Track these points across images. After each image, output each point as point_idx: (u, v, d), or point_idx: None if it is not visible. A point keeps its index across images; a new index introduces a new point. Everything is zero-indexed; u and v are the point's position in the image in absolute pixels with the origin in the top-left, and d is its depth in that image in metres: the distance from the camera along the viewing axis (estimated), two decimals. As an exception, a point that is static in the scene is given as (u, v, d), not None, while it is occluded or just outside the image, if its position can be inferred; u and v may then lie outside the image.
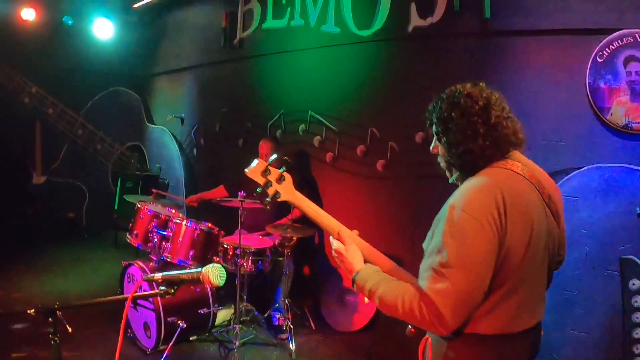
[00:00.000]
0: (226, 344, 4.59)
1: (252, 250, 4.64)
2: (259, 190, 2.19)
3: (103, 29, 8.04)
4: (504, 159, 1.87)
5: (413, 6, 4.73)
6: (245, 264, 4.59)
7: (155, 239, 4.54)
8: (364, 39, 5.19)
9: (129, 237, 4.79)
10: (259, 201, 2.36)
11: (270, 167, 2.19)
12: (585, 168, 3.56)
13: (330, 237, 2.14)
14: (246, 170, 2.20)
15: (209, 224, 4.82)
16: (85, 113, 8.50)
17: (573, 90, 3.82)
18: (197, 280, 1.95)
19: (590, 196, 3.51)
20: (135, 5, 8.25)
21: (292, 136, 6.03)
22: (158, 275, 1.98)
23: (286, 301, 4.83)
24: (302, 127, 5.88)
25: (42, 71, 7.90)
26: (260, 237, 5.04)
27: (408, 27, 4.78)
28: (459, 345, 1.78)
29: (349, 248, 2.06)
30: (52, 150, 8.35)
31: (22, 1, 7.30)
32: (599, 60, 3.67)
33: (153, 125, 8.65)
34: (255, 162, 2.21)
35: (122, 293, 4.81)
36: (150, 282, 2.04)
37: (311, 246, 5.70)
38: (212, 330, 4.73)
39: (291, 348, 4.54)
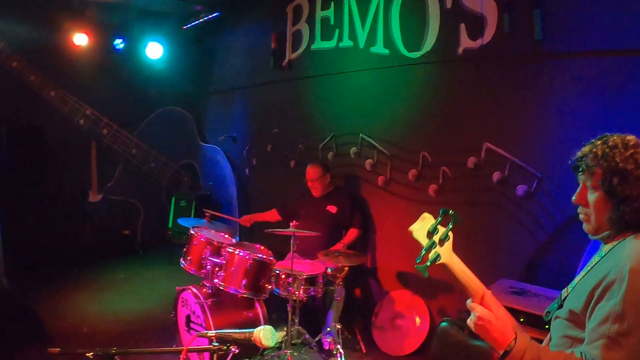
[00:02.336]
0: (277, 368, 4.80)
1: (305, 276, 4.77)
2: (419, 259, 1.93)
3: (154, 51, 8.46)
4: None
5: (463, 27, 4.78)
6: (297, 292, 4.73)
7: (209, 266, 4.76)
8: (414, 61, 5.29)
9: (182, 262, 5.06)
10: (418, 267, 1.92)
11: (438, 226, 1.95)
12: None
13: (469, 303, 1.91)
14: (411, 229, 1.97)
15: (261, 248, 5.06)
16: (139, 132, 8.95)
17: (632, 111, 3.76)
18: (248, 340, 2.07)
19: None
20: (185, 27, 8.64)
21: (344, 159, 6.16)
22: (212, 333, 2.12)
23: (337, 325, 4.95)
24: (353, 149, 6.02)
25: (96, 93, 8.34)
26: (312, 262, 5.18)
27: (458, 49, 4.83)
28: None
29: (498, 315, 1.86)
30: (108, 169, 8.80)
31: (74, 28, 7.78)
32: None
33: (206, 144, 9.01)
34: (422, 218, 1.98)
35: (176, 316, 5.08)
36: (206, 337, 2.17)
37: (362, 270, 5.80)
38: (264, 354, 4.95)
39: (342, 372, 4.68)
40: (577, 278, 1.92)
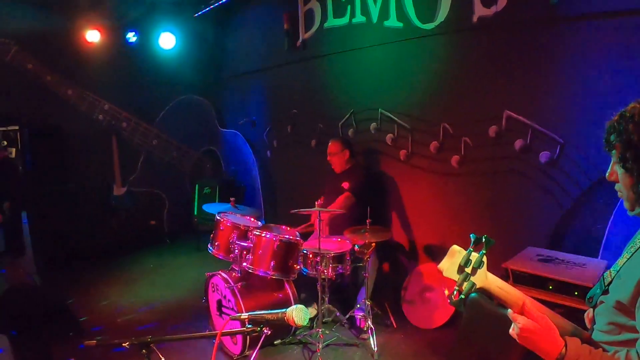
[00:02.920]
0: (309, 346, 4.90)
1: (332, 255, 4.80)
2: (453, 295, 1.84)
3: (167, 41, 8.55)
4: None
5: (476, -5, 4.74)
6: (325, 271, 4.77)
7: (237, 250, 4.85)
8: (428, 33, 5.26)
9: (210, 248, 5.14)
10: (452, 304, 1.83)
11: (471, 255, 1.86)
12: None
13: (510, 313, 1.79)
14: (441, 267, 1.90)
15: (287, 229, 5.13)
16: (159, 123, 9.08)
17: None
18: (281, 320, 2.08)
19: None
20: (196, 15, 8.67)
21: (365, 135, 6.19)
22: (244, 316, 2.14)
23: (367, 301, 5.02)
24: (373, 125, 6.04)
25: (113, 88, 8.47)
26: (338, 240, 5.21)
27: (472, 18, 4.80)
28: None
29: (542, 323, 1.74)
30: (130, 162, 8.95)
31: (85, 25, 7.90)
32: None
33: (225, 130, 9.12)
34: (451, 254, 1.89)
35: (207, 302, 5.21)
36: (239, 320, 2.18)
37: (389, 245, 5.84)
38: (296, 333, 5.04)
39: (373, 348, 4.74)
40: (621, 260, 1.84)
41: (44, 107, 7.85)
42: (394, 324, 5.36)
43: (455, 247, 1.89)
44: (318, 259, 4.75)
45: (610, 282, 1.83)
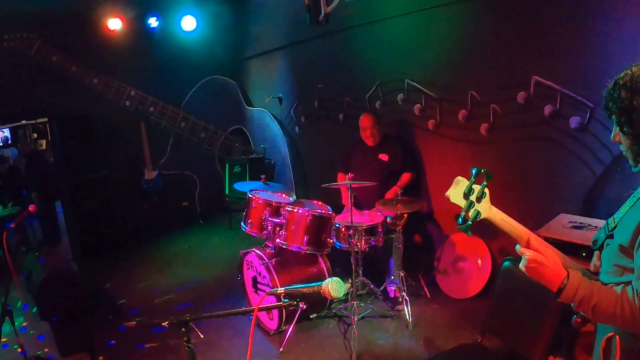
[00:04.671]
0: (345, 319, 5.03)
1: (364, 227, 4.88)
2: (460, 220, 2.07)
3: (189, 24, 8.70)
4: None
5: (503, -44, 4.68)
6: (358, 244, 4.86)
7: (270, 227, 4.98)
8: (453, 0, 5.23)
9: (244, 226, 5.27)
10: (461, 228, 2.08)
11: (473, 186, 2.07)
12: None
13: (518, 248, 1.99)
14: (448, 194, 2.11)
15: (319, 203, 5.23)
16: (185, 106, 9.25)
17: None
18: (317, 294, 2.11)
19: None
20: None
21: (392, 106, 6.20)
22: (281, 290, 2.17)
23: (400, 273, 5.11)
24: (400, 96, 6.05)
25: (138, 74, 8.65)
26: (370, 212, 5.30)
27: (499, -18, 4.75)
28: None
29: (547, 255, 1.95)
30: (159, 145, 9.15)
31: (107, 13, 8.10)
32: None
33: (252, 108, 9.22)
34: (455, 183, 2.11)
35: (242, 279, 5.36)
36: (275, 295, 2.22)
37: (421, 215, 5.89)
38: (331, 307, 5.18)
39: (408, 319, 4.86)
40: (624, 208, 2.00)
41: (71, 97, 8.04)
42: (428, 294, 5.46)
43: (459, 178, 2.10)
44: (351, 232, 4.84)
45: (614, 228, 1.99)
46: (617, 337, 1.92)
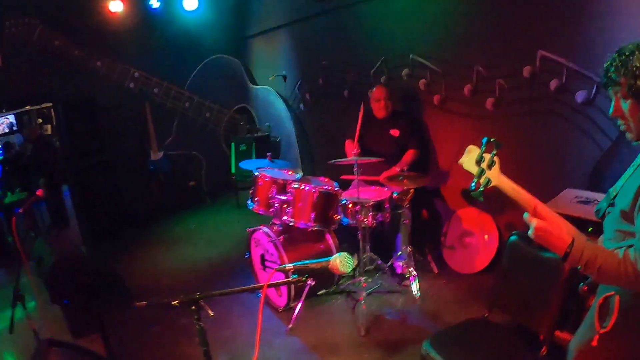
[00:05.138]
0: (353, 295, 5.08)
1: (371, 203, 4.89)
2: (473, 186, 2.26)
3: (191, 3, 8.65)
4: None
5: None
6: (365, 219, 4.87)
7: (277, 204, 5.01)
8: (457, -27, 5.19)
9: (251, 204, 5.31)
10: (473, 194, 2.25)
11: (484, 154, 2.24)
12: None
13: (526, 216, 2.08)
14: (461, 162, 2.32)
15: (326, 180, 5.25)
16: (190, 85, 9.20)
17: None
18: (325, 269, 2.15)
19: None
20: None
21: (397, 82, 6.16)
22: (289, 266, 2.20)
23: (408, 248, 5.15)
24: (405, 71, 6.01)
25: (141, 55, 8.63)
26: (377, 188, 5.30)
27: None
28: None
29: (553, 222, 2.06)
30: (164, 126, 9.15)
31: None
32: None
33: (257, 86, 9.23)
34: (468, 151, 2.31)
35: (250, 257, 5.42)
36: (284, 271, 2.24)
37: (427, 191, 5.90)
38: (339, 283, 5.22)
39: (416, 294, 4.92)
40: (624, 177, 2.08)
41: (75, 81, 8.06)
42: (435, 270, 5.50)
43: (471, 146, 2.34)
44: (357, 208, 4.86)
45: (615, 196, 2.08)
46: (617, 296, 2.01)
